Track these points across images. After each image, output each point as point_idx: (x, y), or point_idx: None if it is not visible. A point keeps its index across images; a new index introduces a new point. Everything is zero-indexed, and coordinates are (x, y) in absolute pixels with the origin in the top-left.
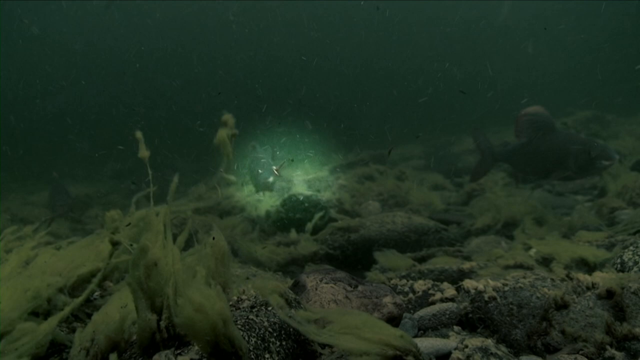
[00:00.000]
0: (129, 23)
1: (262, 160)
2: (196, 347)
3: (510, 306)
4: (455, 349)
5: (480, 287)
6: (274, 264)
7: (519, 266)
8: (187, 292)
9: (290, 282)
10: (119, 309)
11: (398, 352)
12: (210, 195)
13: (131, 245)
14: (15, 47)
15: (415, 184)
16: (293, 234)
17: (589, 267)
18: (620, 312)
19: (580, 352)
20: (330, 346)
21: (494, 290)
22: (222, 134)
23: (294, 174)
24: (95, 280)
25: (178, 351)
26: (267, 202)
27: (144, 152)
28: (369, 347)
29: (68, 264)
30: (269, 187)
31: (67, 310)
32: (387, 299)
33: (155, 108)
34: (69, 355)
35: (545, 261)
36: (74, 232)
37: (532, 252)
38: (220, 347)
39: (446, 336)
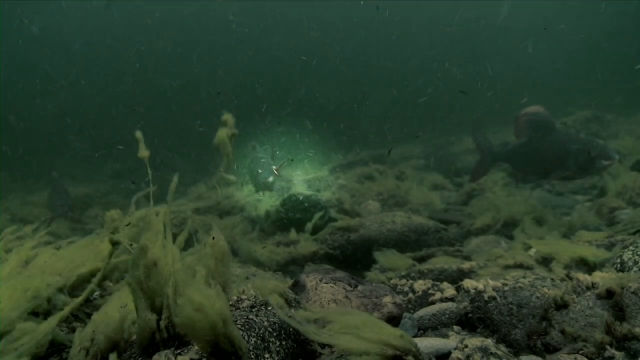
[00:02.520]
0: (129, 23)
1: (262, 161)
2: (196, 347)
3: (510, 306)
4: (455, 349)
5: (480, 287)
6: (274, 264)
7: (519, 266)
8: (188, 292)
9: (290, 282)
10: (119, 309)
11: (398, 352)
12: (211, 196)
13: (131, 245)
14: (15, 47)
15: (415, 184)
16: (293, 234)
17: (589, 267)
18: (620, 312)
19: (580, 352)
20: (331, 346)
21: (494, 290)
22: (222, 133)
23: (294, 174)
24: (95, 280)
25: (178, 351)
26: (267, 202)
27: (143, 152)
28: (369, 347)
29: (68, 264)
30: (269, 187)
31: (67, 310)
32: (387, 299)
33: (155, 108)
34: (69, 356)
35: (545, 261)
36: (74, 232)
37: (532, 252)
38: (220, 347)
39: (446, 336)
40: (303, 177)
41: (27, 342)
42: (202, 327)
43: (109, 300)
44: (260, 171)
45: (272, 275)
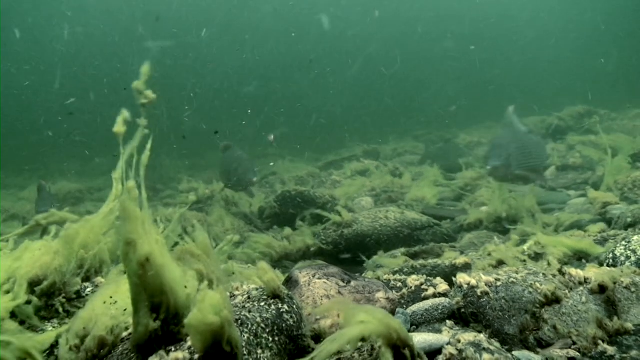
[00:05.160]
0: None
1: (241, 160)
2: (188, 344)
3: (503, 301)
4: (448, 344)
5: (473, 282)
6: (267, 259)
7: (512, 261)
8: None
9: (283, 277)
10: (108, 305)
11: (398, 342)
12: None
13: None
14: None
15: (410, 179)
16: (287, 230)
17: (581, 261)
18: (612, 307)
19: (573, 347)
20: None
21: (486, 285)
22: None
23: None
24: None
25: (170, 347)
26: (260, 198)
27: (120, 127)
28: (379, 327)
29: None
30: (247, 187)
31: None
32: (380, 295)
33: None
34: (59, 354)
35: (538, 256)
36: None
37: (525, 246)
38: (217, 346)
39: (439, 331)
40: (296, 173)
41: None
42: (205, 330)
43: (94, 295)
44: (239, 171)
45: None
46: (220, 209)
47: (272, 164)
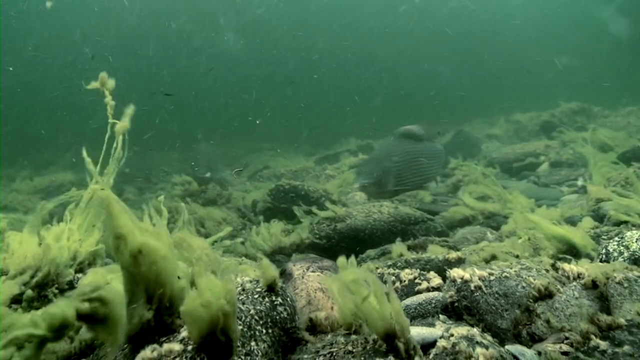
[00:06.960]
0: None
1: (202, 155)
2: (182, 334)
3: (496, 295)
4: (441, 337)
5: (467, 276)
6: (260, 253)
7: (505, 255)
8: (199, 282)
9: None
10: None
11: (395, 332)
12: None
13: None
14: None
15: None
16: (280, 223)
17: (574, 257)
18: (605, 302)
19: (565, 342)
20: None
21: (479, 279)
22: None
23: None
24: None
25: (163, 338)
26: (254, 192)
27: (123, 124)
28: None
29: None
30: (204, 182)
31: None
32: None
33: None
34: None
35: (532, 250)
36: None
37: (519, 241)
38: (215, 337)
39: (432, 325)
40: (291, 167)
41: None
42: (204, 319)
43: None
44: (195, 165)
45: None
46: (210, 203)
47: (238, 170)
